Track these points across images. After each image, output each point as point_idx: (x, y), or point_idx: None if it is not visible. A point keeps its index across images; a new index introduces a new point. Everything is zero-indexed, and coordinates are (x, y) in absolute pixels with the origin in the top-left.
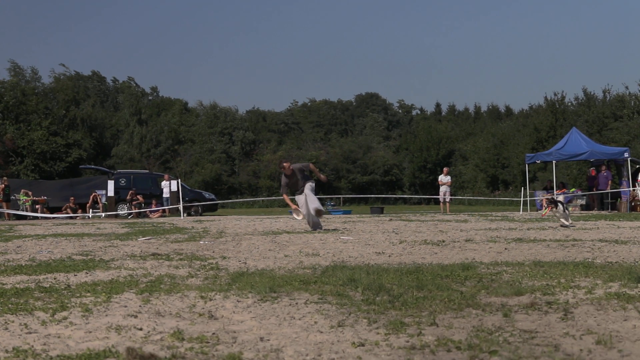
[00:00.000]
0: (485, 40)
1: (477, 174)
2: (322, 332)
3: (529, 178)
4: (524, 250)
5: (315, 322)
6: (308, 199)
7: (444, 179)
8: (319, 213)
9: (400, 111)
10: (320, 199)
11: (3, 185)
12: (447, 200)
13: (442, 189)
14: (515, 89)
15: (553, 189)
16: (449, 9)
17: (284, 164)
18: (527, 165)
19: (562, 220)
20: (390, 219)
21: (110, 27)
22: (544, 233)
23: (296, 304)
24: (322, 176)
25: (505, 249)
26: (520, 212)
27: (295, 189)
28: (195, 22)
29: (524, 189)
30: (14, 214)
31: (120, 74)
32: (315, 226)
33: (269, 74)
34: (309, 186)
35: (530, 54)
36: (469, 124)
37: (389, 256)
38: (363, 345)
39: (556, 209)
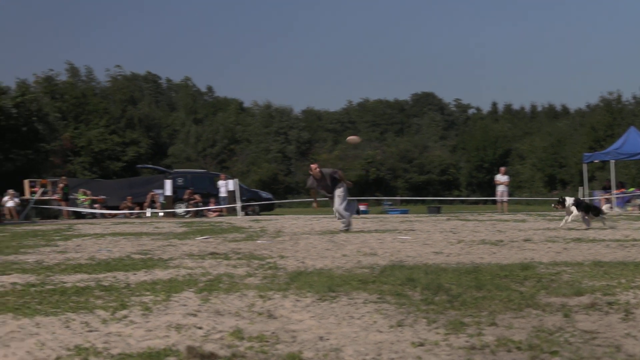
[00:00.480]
0: (541, 39)
1: (534, 174)
2: (381, 332)
3: (587, 177)
4: (583, 250)
5: (375, 322)
6: (335, 201)
7: (501, 178)
8: (340, 215)
9: (456, 110)
10: (377, 199)
11: (62, 185)
12: (505, 199)
13: (500, 188)
14: (572, 88)
15: (611, 189)
16: (506, 7)
17: (312, 166)
18: (585, 165)
19: (567, 221)
20: (448, 219)
21: (163, 27)
22: (603, 233)
23: (355, 303)
24: (349, 182)
25: (565, 248)
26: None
27: (326, 192)
28: (251, 22)
29: (582, 188)
30: (73, 213)
31: (174, 74)
32: (345, 225)
33: (324, 74)
34: (338, 190)
35: (586, 52)
36: (525, 123)
37: (447, 256)
38: (423, 345)
39: (565, 208)
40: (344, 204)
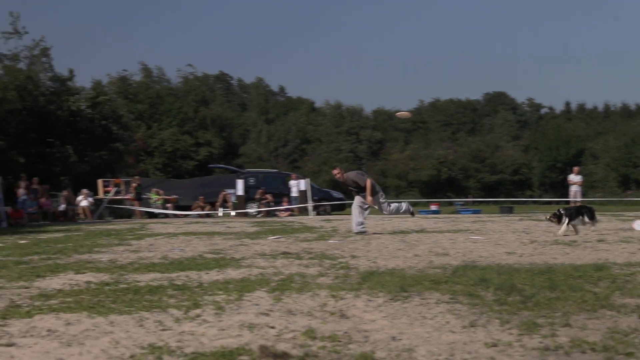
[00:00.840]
0: (614, 38)
1: (608, 174)
2: (454, 332)
3: None
4: None
5: (447, 322)
6: (352, 213)
7: (574, 178)
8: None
9: (529, 110)
10: (449, 201)
11: (135, 184)
12: (578, 200)
13: (573, 188)
14: None
15: None
16: (579, 7)
17: (334, 171)
18: None
19: (560, 232)
20: (520, 219)
21: (235, 28)
22: None
23: (427, 303)
24: (370, 198)
25: (639, 249)
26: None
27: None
28: (321, 22)
29: None
30: (146, 212)
31: (247, 75)
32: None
33: (395, 73)
34: (359, 199)
35: None
36: (598, 122)
37: (520, 256)
38: (496, 345)
39: (557, 221)
40: (361, 216)
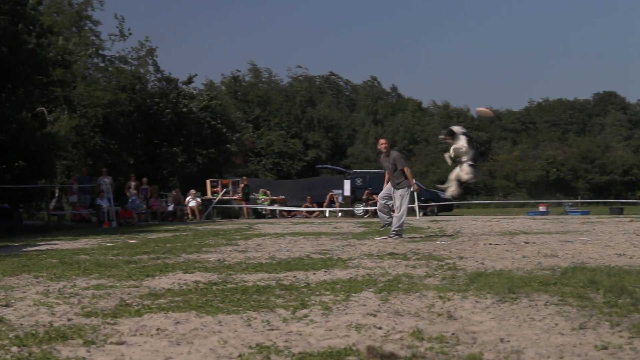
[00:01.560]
0: None
1: None
2: (563, 335)
3: None
4: None
5: (556, 324)
6: (394, 202)
7: None
8: (387, 218)
9: (637, 108)
10: (557, 202)
11: (243, 185)
12: None
13: None
14: None
15: None
16: None
17: (382, 140)
18: None
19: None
20: (631, 220)
21: (344, 27)
22: None
23: (536, 305)
24: (415, 184)
25: None
26: None
27: (389, 175)
28: (433, 22)
29: None
30: (254, 212)
31: (355, 75)
32: (384, 223)
33: (505, 73)
34: (401, 190)
35: None
36: None
37: (631, 258)
38: (606, 348)
39: None
40: (402, 209)
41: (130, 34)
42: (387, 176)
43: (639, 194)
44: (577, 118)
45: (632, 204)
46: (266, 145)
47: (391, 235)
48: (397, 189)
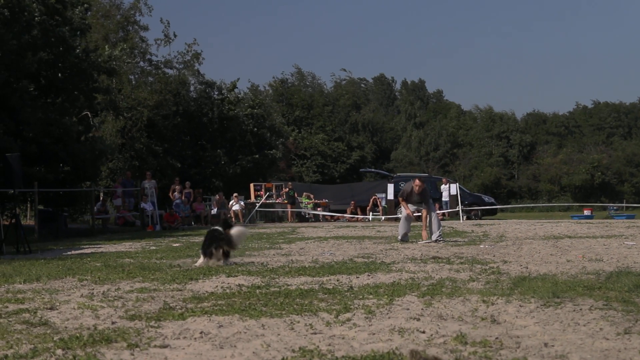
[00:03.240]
0: None
1: None
2: (607, 339)
3: None
4: None
5: (601, 329)
6: (433, 222)
7: None
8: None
9: None
10: (602, 205)
11: (287, 189)
12: None
13: None
14: None
15: None
16: None
17: (419, 182)
18: None
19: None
20: None
21: (396, 32)
22: None
23: (580, 309)
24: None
25: None
26: None
27: (411, 202)
28: (476, 24)
29: None
30: (297, 216)
31: (402, 78)
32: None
33: (551, 75)
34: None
35: None
36: None
37: None
38: None
39: None
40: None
41: (175, 36)
42: (405, 205)
43: None
44: (623, 121)
45: None
46: (309, 146)
47: (438, 239)
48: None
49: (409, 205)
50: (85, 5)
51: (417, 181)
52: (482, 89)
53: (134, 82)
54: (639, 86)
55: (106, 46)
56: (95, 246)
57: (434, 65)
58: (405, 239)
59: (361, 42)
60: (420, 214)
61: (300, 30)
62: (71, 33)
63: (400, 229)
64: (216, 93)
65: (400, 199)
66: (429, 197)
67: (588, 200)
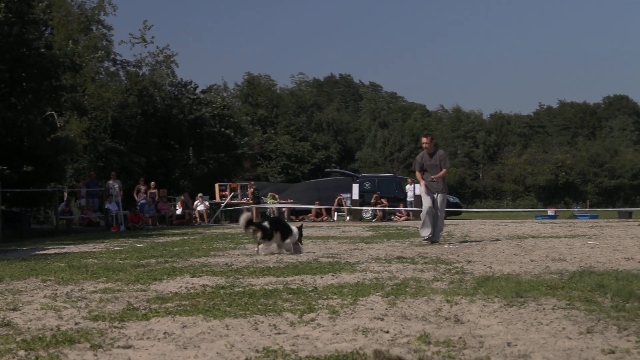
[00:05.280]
0: None
1: None
2: (570, 339)
3: None
4: None
5: (564, 328)
6: (439, 214)
7: None
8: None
9: None
10: (566, 204)
11: (252, 189)
12: None
13: None
14: None
15: None
16: None
17: (427, 138)
18: None
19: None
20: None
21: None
22: None
23: (543, 309)
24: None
25: None
26: None
27: (431, 173)
28: (437, 26)
29: None
30: (262, 216)
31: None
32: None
33: (513, 77)
34: (442, 195)
35: None
36: None
37: (639, 262)
38: (613, 352)
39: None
40: (444, 214)
41: (152, 42)
42: (421, 178)
43: None
44: (588, 122)
45: None
46: (275, 148)
47: (439, 240)
48: (441, 193)
49: (425, 177)
50: (46, 1)
51: (423, 138)
52: (445, 90)
53: (97, 82)
54: (604, 87)
55: (70, 42)
56: (59, 247)
57: (395, 66)
58: (434, 238)
59: (320, 44)
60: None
61: (258, 34)
62: (34, 28)
63: (422, 225)
64: (186, 92)
65: (416, 171)
66: (447, 160)
67: (552, 200)
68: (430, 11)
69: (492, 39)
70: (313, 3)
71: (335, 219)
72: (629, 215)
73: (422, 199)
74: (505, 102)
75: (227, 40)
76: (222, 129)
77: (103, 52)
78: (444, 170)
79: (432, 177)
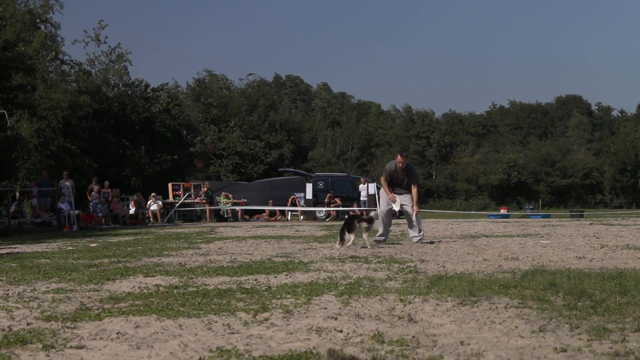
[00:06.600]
0: None
1: None
2: (523, 337)
3: None
4: None
5: (516, 327)
6: (416, 218)
7: None
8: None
9: (596, 112)
10: (518, 203)
11: (205, 189)
12: None
13: None
14: None
15: None
16: None
17: (402, 156)
18: None
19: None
20: (591, 223)
21: (304, 34)
22: None
23: (496, 308)
24: (417, 207)
25: None
26: None
27: (395, 185)
28: (390, 25)
29: None
30: (216, 216)
31: (313, 80)
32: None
33: (466, 77)
34: (407, 197)
35: None
36: None
37: (590, 261)
38: (565, 351)
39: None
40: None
41: (105, 42)
42: (387, 187)
43: (599, 197)
44: (540, 122)
45: (592, 206)
46: (227, 146)
47: (423, 241)
48: (409, 196)
49: (395, 190)
50: None
51: (399, 156)
52: (396, 90)
53: (47, 82)
54: (557, 87)
55: (20, 44)
56: (11, 247)
57: (343, 66)
58: (383, 237)
59: (270, 46)
60: (402, 208)
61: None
62: None
63: (380, 225)
64: (138, 91)
65: (382, 179)
66: (417, 177)
67: (504, 200)
68: (379, 11)
69: (444, 38)
70: (259, 4)
71: (289, 218)
72: (580, 215)
73: (380, 201)
74: (457, 101)
75: (178, 41)
76: (174, 125)
77: (53, 52)
78: (415, 192)
79: (407, 204)
